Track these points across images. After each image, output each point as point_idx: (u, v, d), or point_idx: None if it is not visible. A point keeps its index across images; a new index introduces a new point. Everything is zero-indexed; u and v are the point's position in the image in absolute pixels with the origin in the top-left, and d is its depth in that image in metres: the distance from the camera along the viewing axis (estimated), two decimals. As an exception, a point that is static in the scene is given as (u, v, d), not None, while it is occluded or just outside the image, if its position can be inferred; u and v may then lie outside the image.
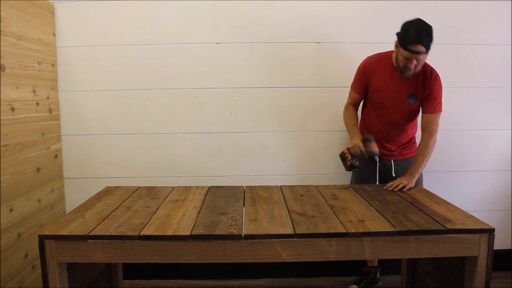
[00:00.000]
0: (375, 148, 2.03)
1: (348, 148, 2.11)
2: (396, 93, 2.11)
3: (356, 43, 2.45)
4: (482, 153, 2.58)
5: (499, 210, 2.64)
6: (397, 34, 1.99)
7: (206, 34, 2.43)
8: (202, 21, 2.43)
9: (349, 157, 2.08)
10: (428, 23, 1.91)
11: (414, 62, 1.94)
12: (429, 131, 2.05)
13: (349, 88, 2.25)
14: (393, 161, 2.21)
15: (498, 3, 2.46)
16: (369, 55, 2.19)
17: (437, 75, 2.08)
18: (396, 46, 2.02)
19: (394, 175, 2.18)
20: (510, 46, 2.49)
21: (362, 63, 2.19)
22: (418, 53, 1.90)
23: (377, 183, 2.18)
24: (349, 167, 2.09)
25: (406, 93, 2.10)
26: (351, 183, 2.35)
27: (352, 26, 2.46)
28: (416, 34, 1.88)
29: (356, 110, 2.27)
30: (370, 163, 2.17)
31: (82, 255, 1.41)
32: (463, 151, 2.57)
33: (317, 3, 2.43)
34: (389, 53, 2.13)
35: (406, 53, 1.92)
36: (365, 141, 2.06)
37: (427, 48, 1.90)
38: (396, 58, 2.02)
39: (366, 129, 2.25)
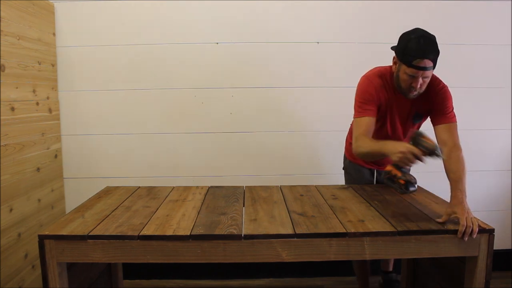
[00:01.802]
0: (431, 141, 1.48)
1: (393, 165, 1.58)
2: (400, 115, 1.84)
3: (356, 43, 2.45)
4: (482, 153, 2.58)
5: (499, 210, 2.64)
6: (395, 48, 1.71)
7: (206, 34, 2.43)
8: (202, 21, 2.43)
9: (399, 174, 1.53)
10: (429, 32, 1.66)
11: (420, 80, 1.64)
12: (452, 142, 1.69)
13: (354, 114, 1.82)
14: None
15: (498, 3, 2.46)
16: (367, 72, 1.86)
17: (444, 86, 1.79)
18: (395, 63, 1.73)
19: None
20: (510, 46, 2.49)
21: (366, 79, 1.82)
22: (425, 69, 1.60)
23: None
24: (404, 187, 1.53)
25: (411, 114, 1.85)
26: None
27: (352, 26, 2.46)
28: (420, 46, 1.59)
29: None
30: (366, 173, 2.05)
31: (82, 255, 1.40)
32: (463, 151, 2.56)
33: (317, 3, 2.43)
34: (388, 69, 1.82)
35: (410, 70, 1.62)
36: (414, 139, 1.50)
37: (434, 62, 1.62)
38: (397, 78, 1.71)
39: None
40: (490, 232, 1.43)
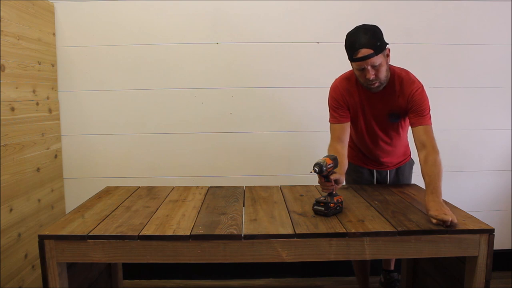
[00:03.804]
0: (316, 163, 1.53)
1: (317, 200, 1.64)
2: (373, 114, 1.86)
3: (356, 43, 2.44)
4: (482, 153, 2.58)
5: (499, 210, 2.64)
6: None
7: (206, 34, 2.43)
8: (202, 21, 2.43)
9: (323, 203, 1.59)
10: (369, 24, 1.69)
11: (371, 71, 1.65)
12: (431, 145, 1.69)
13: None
14: (389, 171, 2.09)
15: (498, 3, 2.46)
16: (336, 78, 1.93)
17: (419, 87, 1.76)
18: (351, 64, 1.76)
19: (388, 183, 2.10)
20: (510, 46, 2.49)
21: (333, 85, 1.90)
22: (366, 57, 1.61)
23: None
24: (333, 209, 1.59)
25: (386, 112, 1.84)
26: None
27: (352, 26, 2.45)
28: (355, 39, 1.63)
29: (343, 145, 1.84)
30: (366, 173, 2.06)
31: (82, 255, 1.41)
32: (463, 151, 2.57)
33: (317, 3, 2.43)
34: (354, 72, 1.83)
35: (356, 65, 1.67)
36: (318, 170, 1.53)
37: (376, 48, 1.61)
38: (356, 76, 1.76)
39: (355, 147, 2.04)
40: (490, 232, 1.43)
